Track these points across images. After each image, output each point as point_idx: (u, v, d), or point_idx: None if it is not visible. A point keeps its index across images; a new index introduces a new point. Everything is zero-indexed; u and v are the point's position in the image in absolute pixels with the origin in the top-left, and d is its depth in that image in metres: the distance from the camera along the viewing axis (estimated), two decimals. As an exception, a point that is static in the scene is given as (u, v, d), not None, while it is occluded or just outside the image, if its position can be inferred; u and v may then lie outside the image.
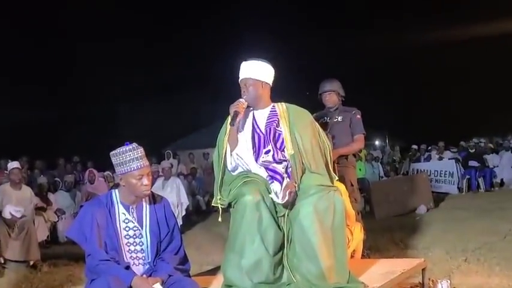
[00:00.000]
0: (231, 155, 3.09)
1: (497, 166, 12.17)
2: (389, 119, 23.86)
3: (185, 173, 12.21)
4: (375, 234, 6.29)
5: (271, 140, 3.10)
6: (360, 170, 11.93)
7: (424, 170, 12.02)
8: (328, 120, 4.78)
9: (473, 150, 12.47)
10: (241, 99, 3.12)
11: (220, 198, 3.05)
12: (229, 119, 3.09)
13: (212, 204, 3.19)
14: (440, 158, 12.75)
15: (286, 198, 2.86)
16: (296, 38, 20.79)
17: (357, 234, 3.89)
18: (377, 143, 23.62)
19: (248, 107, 3.17)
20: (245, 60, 3.20)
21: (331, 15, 22.39)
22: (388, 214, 8.53)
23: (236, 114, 3.03)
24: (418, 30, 20.60)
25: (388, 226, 7.16)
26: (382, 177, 13.11)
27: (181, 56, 20.89)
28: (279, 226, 2.92)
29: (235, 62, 3.26)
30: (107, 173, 9.73)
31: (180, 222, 7.96)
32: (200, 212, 10.87)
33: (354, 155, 4.83)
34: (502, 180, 12.07)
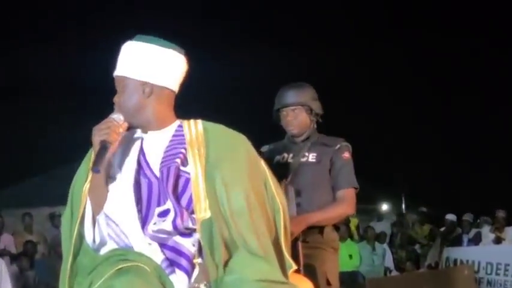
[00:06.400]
0: (93, 220, 3.10)
1: None
2: (409, 167, 24.47)
3: (13, 252, 12.03)
4: None
5: (170, 191, 3.11)
6: (351, 257, 12.02)
7: (468, 261, 12.19)
8: (289, 160, 4.85)
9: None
10: (115, 116, 3.17)
11: None
12: (92, 155, 3.11)
13: None
14: (498, 240, 13.06)
15: None
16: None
17: None
18: (385, 208, 23.90)
19: (130, 128, 3.23)
20: (131, 38, 3.28)
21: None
22: None
23: (105, 147, 3.04)
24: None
25: None
26: (390, 271, 13.29)
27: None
28: None
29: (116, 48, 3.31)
30: None
31: None
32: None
33: (337, 228, 4.86)
34: None
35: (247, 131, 3.35)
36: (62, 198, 3.24)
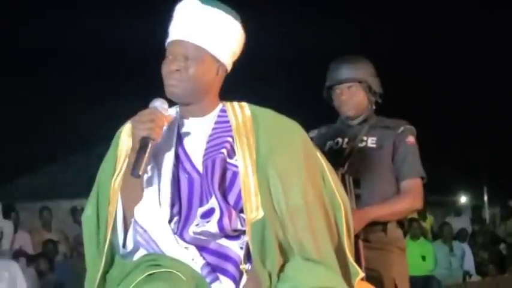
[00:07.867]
0: (124, 224, 3.09)
1: None
2: (492, 153, 24.32)
3: (30, 253, 12.15)
4: None
5: (215, 187, 3.06)
6: (424, 258, 11.93)
7: None
8: (344, 146, 4.83)
9: None
10: (157, 104, 3.03)
11: None
12: (119, 138, 3.11)
13: None
14: None
15: None
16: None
17: None
18: (463, 200, 23.81)
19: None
20: None
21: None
22: None
23: (147, 145, 2.92)
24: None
25: None
26: (470, 275, 13.23)
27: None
28: None
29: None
30: None
31: None
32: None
33: (401, 224, 4.83)
34: None
35: (293, 113, 3.38)
36: (85, 190, 3.25)
